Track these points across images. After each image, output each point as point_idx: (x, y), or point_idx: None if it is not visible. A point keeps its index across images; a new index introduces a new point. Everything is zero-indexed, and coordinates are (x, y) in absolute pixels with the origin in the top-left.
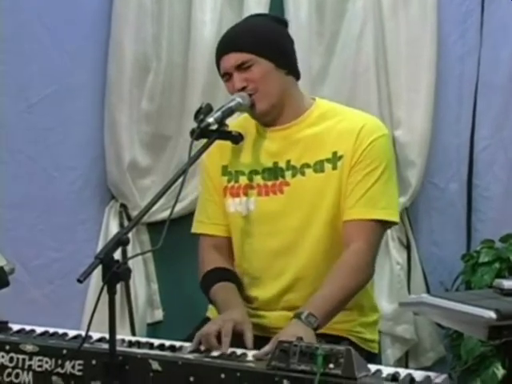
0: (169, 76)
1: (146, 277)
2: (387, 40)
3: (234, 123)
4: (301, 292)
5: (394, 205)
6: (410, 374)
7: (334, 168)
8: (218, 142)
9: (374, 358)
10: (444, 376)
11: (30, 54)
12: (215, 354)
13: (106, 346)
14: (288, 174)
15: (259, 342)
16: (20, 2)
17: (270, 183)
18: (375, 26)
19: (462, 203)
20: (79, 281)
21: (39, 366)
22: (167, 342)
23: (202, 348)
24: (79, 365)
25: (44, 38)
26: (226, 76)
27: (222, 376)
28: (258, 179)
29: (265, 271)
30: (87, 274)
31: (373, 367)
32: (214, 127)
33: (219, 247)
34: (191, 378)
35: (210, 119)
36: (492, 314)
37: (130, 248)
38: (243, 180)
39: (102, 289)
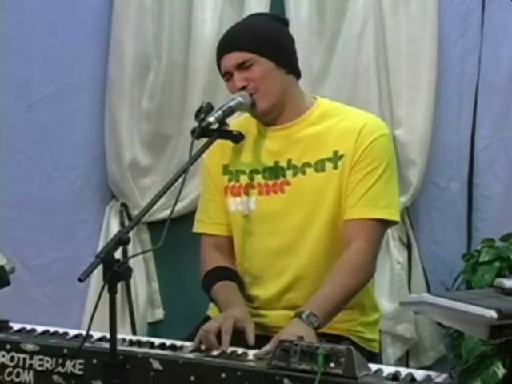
0: (169, 75)
1: (146, 276)
2: (388, 39)
3: (235, 123)
4: (301, 291)
5: (394, 204)
6: (410, 374)
7: (335, 167)
8: (218, 142)
9: (375, 357)
10: (445, 375)
11: (31, 54)
12: (216, 353)
13: (106, 345)
14: (289, 173)
15: (260, 341)
16: (21, 1)
17: (270, 182)
18: (376, 25)
19: (462, 202)
20: (80, 280)
21: (40, 366)
22: (168, 342)
23: (203, 347)
24: (80, 364)
25: (44, 38)
26: (227, 75)
27: (223, 375)
28: (258, 178)
29: (266, 270)
30: (88, 273)
31: (373, 366)
32: (215, 126)
33: (220, 247)
34: (192, 378)
35: (211, 118)
36: (493, 314)
37: (130, 247)
38: (244, 179)
39: (103, 288)
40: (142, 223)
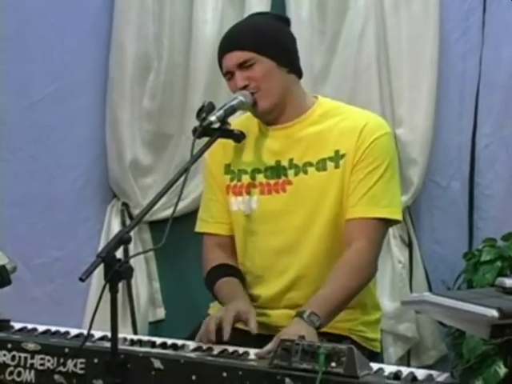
0: (170, 75)
1: (147, 275)
2: (389, 38)
3: (237, 122)
4: (303, 290)
5: (396, 203)
6: (412, 373)
7: (337, 166)
8: (220, 141)
9: (376, 356)
10: (446, 374)
11: (32, 53)
12: (217, 351)
13: (107, 344)
14: (290, 172)
15: (262, 340)
16: (21, 1)
17: (272, 182)
18: (377, 24)
19: (463, 201)
20: (81, 279)
21: (41, 365)
22: (169, 341)
23: (205, 347)
24: (81, 363)
25: (46, 37)
26: (228, 75)
27: (224, 374)
28: (260, 178)
29: (267, 269)
30: (89, 272)
31: (375, 366)
32: (216, 126)
33: (223, 246)
34: (193, 377)
35: (212, 118)
36: (494, 313)
37: (131, 247)
38: (246, 179)
39: (104, 287)
40: (144, 222)
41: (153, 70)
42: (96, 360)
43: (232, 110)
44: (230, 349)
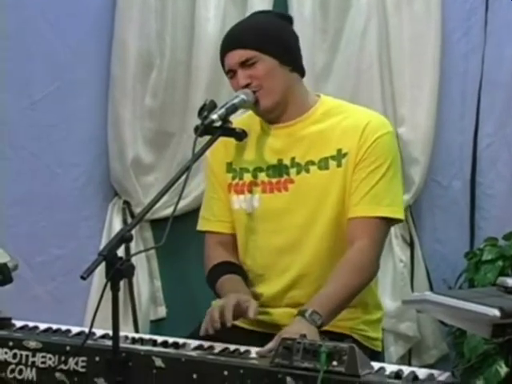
0: (172, 73)
1: (149, 274)
2: (391, 37)
3: (238, 120)
4: (305, 289)
5: (398, 202)
6: (413, 372)
7: (339, 165)
8: (222, 139)
9: (377, 356)
10: (447, 374)
11: (33, 51)
12: (218, 350)
13: (109, 342)
14: (292, 171)
15: (263, 339)
16: None
17: (274, 180)
18: (379, 23)
19: (465, 201)
20: (82, 277)
21: (42, 363)
22: (170, 339)
23: (206, 345)
24: (82, 361)
25: (47, 35)
26: (231, 73)
27: (225, 373)
28: (262, 176)
29: (269, 268)
30: (91, 270)
31: (376, 365)
32: (218, 124)
33: (225, 244)
34: (194, 375)
35: (214, 116)
36: (496, 312)
37: (133, 245)
38: (247, 177)
39: (106, 286)
40: (145, 221)
41: (155, 67)
42: (97, 358)
43: (234, 109)
44: (232, 347)
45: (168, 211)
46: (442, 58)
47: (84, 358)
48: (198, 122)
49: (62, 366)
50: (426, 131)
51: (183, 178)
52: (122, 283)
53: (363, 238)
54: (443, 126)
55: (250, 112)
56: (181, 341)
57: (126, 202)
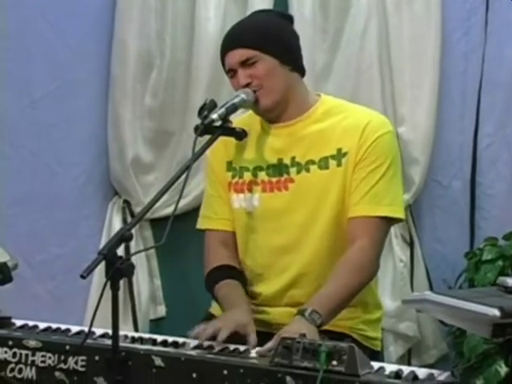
0: (172, 73)
1: (148, 273)
2: (391, 37)
3: (239, 120)
4: (304, 288)
5: (398, 201)
6: (412, 372)
7: (339, 165)
8: (222, 139)
9: (377, 355)
10: (447, 373)
11: (33, 51)
12: (218, 349)
13: (108, 341)
14: (293, 170)
15: (262, 338)
16: None
17: (274, 180)
18: (379, 23)
19: (465, 201)
20: (82, 276)
21: (42, 362)
22: (170, 338)
23: (205, 344)
24: (82, 360)
25: (47, 34)
26: (231, 72)
27: (225, 372)
28: (262, 175)
29: (268, 267)
30: (90, 269)
31: (376, 365)
32: (218, 123)
33: (226, 243)
34: (194, 375)
35: (214, 115)
36: (496, 312)
37: (133, 244)
38: (247, 176)
39: (105, 285)
40: (145, 220)
41: (155, 67)
42: (97, 357)
43: (234, 108)
44: (231, 347)
45: (168, 210)
46: (442, 58)
47: (84, 357)
48: (198, 121)
49: (62, 365)
50: (426, 131)
51: (183, 177)
52: (121, 282)
53: (363, 238)
54: (443, 126)
55: (251, 111)
56: (180, 340)
57: (126, 202)
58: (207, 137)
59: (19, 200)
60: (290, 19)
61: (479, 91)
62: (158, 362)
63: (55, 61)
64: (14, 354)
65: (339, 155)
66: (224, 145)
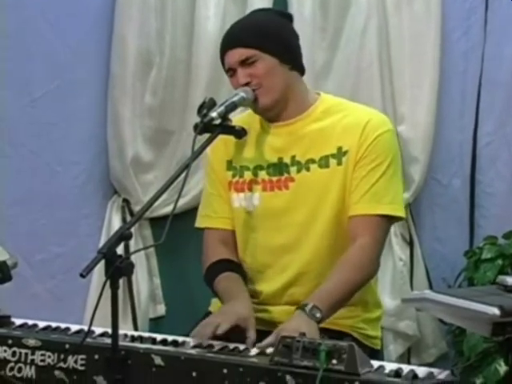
0: (172, 71)
1: (148, 272)
2: (391, 36)
3: (238, 118)
4: (305, 287)
5: (399, 200)
6: (412, 371)
7: (339, 163)
8: (222, 137)
9: (377, 354)
10: (447, 372)
11: (33, 50)
12: (217, 348)
13: (108, 340)
14: (293, 169)
15: (263, 337)
16: None
17: (274, 179)
18: (379, 22)
19: (465, 199)
20: (82, 275)
21: (42, 361)
22: (170, 337)
23: (205, 343)
24: (82, 359)
25: (47, 34)
26: (231, 71)
27: (225, 371)
28: (262, 174)
29: (269, 266)
30: (90, 268)
31: (375, 363)
32: (218, 122)
33: (226, 241)
34: (194, 373)
35: (214, 114)
36: (496, 311)
37: (132, 243)
38: (248, 175)
39: (105, 284)
40: (144, 219)
41: (154, 66)
42: (97, 356)
43: (233, 107)
44: (231, 345)
45: (167, 209)
46: (441, 57)
47: (83, 356)
48: (197, 119)
49: (62, 364)
50: (425, 129)
51: (182, 175)
52: (121, 281)
53: (364, 236)
54: (443, 125)
55: (250, 110)
56: (180, 339)
57: (126, 200)
58: (207, 135)
59: (19, 199)
60: (290, 18)
61: (479, 90)
62: (158, 360)
63: (55, 60)
64: (14, 353)
65: (339, 154)
66: (224, 143)
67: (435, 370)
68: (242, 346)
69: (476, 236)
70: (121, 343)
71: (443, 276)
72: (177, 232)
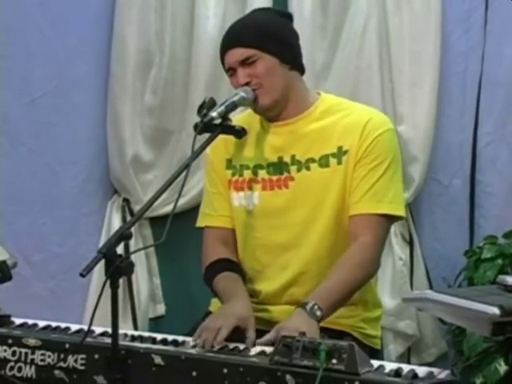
0: (172, 71)
1: (148, 271)
2: (391, 36)
3: (238, 118)
4: (304, 286)
5: (399, 199)
6: (412, 370)
7: (339, 163)
8: (222, 137)
9: (376, 353)
10: (447, 372)
11: (33, 49)
12: (217, 347)
13: (108, 340)
14: (293, 168)
15: (262, 336)
16: None
17: (274, 178)
18: (379, 22)
19: (464, 199)
20: (82, 275)
21: (42, 360)
22: (170, 337)
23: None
24: (82, 359)
25: (47, 33)
26: (231, 71)
27: (225, 371)
28: (262, 174)
29: (268, 265)
30: (90, 268)
31: (375, 363)
32: (218, 121)
33: (226, 240)
34: (194, 373)
35: (214, 113)
36: (496, 310)
37: (132, 242)
38: (248, 174)
39: (105, 283)
40: (144, 218)
41: (154, 65)
42: (97, 356)
43: (233, 106)
44: (231, 345)
45: (167, 209)
46: (441, 57)
47: (83, 356)
48: (197, 119)
49: (62, 364)
50: (425, 129)
51: (182, 175)
52: (121, 281)
53: (365, 235)
54: (443, 125)
55: (250, 110)
56: (180, 338)
57: (126, 200)
58: (207, 135)
59: (19, 198)
60: (290, 17)
61: (479, 90)
62: (158, 360)
63: (55, 59)
64: (14, 353)
65: (340, 153)
66: (224, 143)
67: (435, 370)
68: (241, 346)
69: (476, 236)
70: (121, 343)
71: (443, 276)
72: (177, 232)
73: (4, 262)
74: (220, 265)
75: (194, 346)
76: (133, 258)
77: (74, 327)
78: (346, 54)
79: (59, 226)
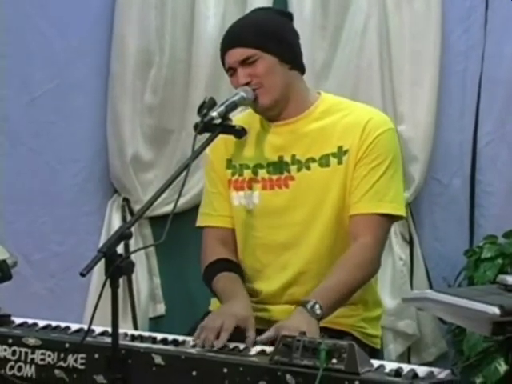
0: (172, 70)
1: (148, 271)
2: (391, 35)
3: (239, 118)
4: (305, 286)
5: (400, 199)
6: (413, 370)
7: (340, 162)
8: (222, 136)
9: (377, 353)
10: (447, 371)
11: (33, 48)
12: (217, 347)
13: (108, 339)
14: (293, 168)
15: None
16: None
17: (274, 177)
18: (379, 21)
19: (465, 199)
20: (82, 274)
21: (42, 360)
22: (170, 337)
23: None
24: (82, 358)
25: (46, 32)
26: (231, 71)
27: (225, 370)
28: (262, 173)
29: (268, 265)
30: (90, 267)
31: (375, 362)
32: (218, 121)
33: (225, 240)
34: (194, 373)
35: (214, 113)
36: (496, 310)
37: (132, 242)
38: (248, 173)
39: (105, 283)
40: (144, 218)
41: (154, 65)
42: (97, 355)
43: (233, 106)
44: (231, 345)
45: (167, 208)
46: (441, 56)
47: (83, 355)
48: (197, 119)
49: (62, 363)
50: (425, 129)
51: (182, 175)
52: (121, 280)
53: (366, 235)
54: (443, 124)
55: (251, 110)
56: (180, 338)
57: (126, 199)
58: (207, 135)
59: (19, 197)
60: (290, 17)
61: (479, 89)
62: (158, 360)
63: (55, 58)
64: (14, 352)
65: (340, 153)
66: (224, 143)
67: (435, 370)
68: (241, 346)
69: (476, 235)
70: (121, 342)
71: (443, 275)
72: (177, 231)
73: (4, 261)
74: (219, 265)
75: (194, 346)
76: (133, 257)
77: (74, 327)
78: (346, 53)
79: (59, 226)
